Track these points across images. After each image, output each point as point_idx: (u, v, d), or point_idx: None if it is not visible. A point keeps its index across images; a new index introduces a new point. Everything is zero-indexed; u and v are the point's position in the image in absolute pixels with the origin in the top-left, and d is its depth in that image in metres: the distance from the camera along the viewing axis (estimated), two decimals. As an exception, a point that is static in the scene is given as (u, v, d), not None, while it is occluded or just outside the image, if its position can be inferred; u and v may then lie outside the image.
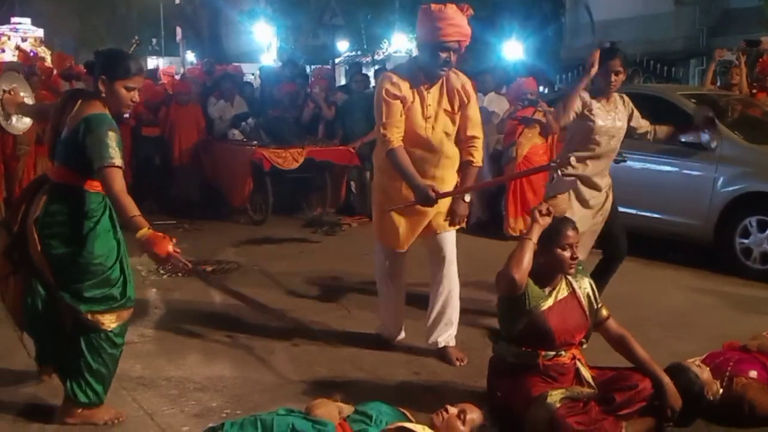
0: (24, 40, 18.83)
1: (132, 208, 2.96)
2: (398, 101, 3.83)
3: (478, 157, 4.03)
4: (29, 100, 3.79)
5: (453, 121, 3.98)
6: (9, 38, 19.17)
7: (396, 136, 3.83)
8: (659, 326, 4.72)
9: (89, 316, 3.10)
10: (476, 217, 8.17)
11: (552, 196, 4.18)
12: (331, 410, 2.79)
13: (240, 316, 4.85)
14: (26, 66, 9.52)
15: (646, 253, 6.70)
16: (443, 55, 3.77)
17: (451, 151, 4.01)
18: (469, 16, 3.83)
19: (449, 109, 3.96)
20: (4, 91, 3.66)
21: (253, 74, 15.47)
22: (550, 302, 3.21)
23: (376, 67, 13.09)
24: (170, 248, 2.92)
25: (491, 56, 15.78)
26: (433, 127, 3.93)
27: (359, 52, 23.12)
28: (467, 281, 5.69)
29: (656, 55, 12.64)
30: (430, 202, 3.77)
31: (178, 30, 24.33)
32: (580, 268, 3.35)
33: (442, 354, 4.08)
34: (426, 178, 3.89)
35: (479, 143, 4.05)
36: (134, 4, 27.74)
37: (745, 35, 12.15)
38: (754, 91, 7.71)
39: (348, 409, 2.87)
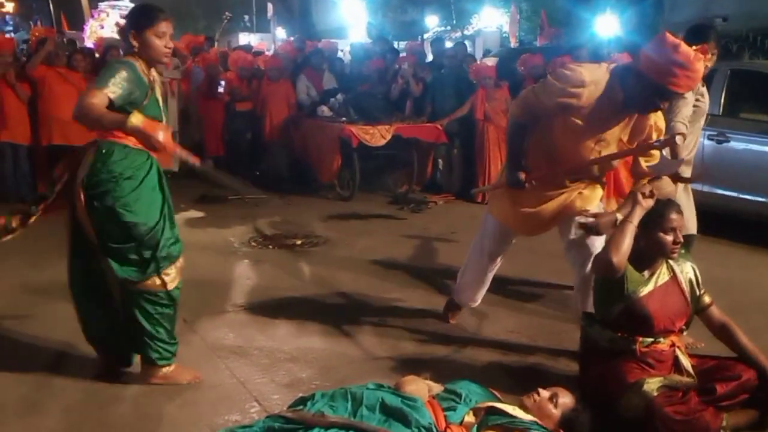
0: (123, 17, 19.51)
1: (106, 113, 2.96)
2: (566, 103, 3.37)
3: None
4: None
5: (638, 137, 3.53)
6: (108, 15, 19.88)
7: (523, 119, 3.59)
8: (763, 314, 4.49)
9: (136, 284, 3.15)
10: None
11: (657, 177, 3.99)
12: (420, 387, 2.78)
13: (327, 289, 4.91)
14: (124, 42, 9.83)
15: (748, 237, 6.40)
16: (662, 102, 3.32)
17: (600, 177, 3.71)
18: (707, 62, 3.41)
19: (625, 141, 3.51)
20: None
21: (342, 50, 15.53)
22: (650, 287, 3.09)
23: (466, 43, 12.90)
24: (163, 130, 3.02)
25: (585, 31, 15.30)
26: (600, 152, 3.50)
27: (448, 28, 22.85)
28: (557, 263, 5.61)
29: (764, 30, 11.94)
30: (521, 186, 3.64)
31: (270, 6, 24.60)
32: (682, 251, 3.21)
33: None
34: (558, 188, 3.65)
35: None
36: (227, -21, 28.28)
37: None
38: None
39: (437, 388, 2.85)
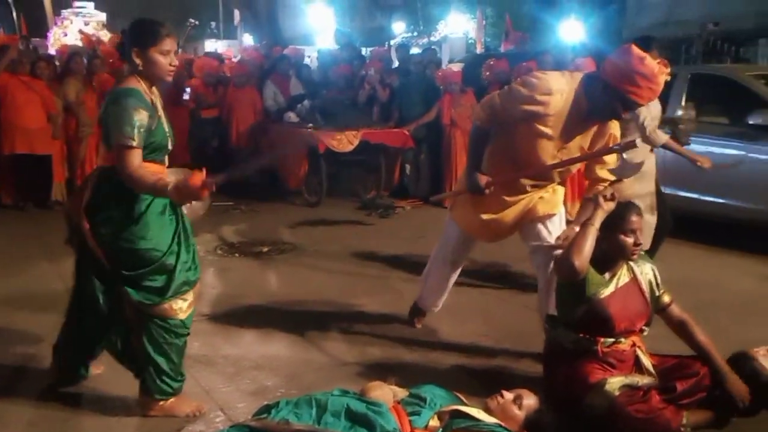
0: (86, 23, 19.27)
1: (149, 177, 2.82)
2: (531, 110, 3.41)
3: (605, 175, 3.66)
4: None
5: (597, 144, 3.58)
6: (72, 22, 19.64)
7: (485, 124, 3.61)
8: (726, 313, 4.57)
9: (151, 309, 3.02)
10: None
11: (617, 180, 4.04)
12: (385, 393, 2.78)
13: (294, 296, 4.89)
14: (89, 49, 9.75)
15: (711, 239, 6.52)
16: (624, 112, 3.39)
17: (561, 182, 3.77)
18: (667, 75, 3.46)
19: (586, 149, 3.56)
20: None
21: (309, 56, 15.51)
22: (611, 289, 3.13)
23: (434, 48, 12.95)
24: (201, 178, 2.76)
25: (550, 36, 15.46)
26: (559, 159, 3.56)
27: (415, 34, 22.98)
28: (522, 265, 5.66)
29: (724, 34, 12.19)
30: (480, 192, 3.65)
31: (236, 13, 24.53)
32: (642, 253, 3.25)
33: None
34: (519, 194, 3.71)
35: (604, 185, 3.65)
36: (194, -14, 28.15)
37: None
38: (829, 71, 7.37)
39: (402, 393, 2.85)
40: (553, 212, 3.76)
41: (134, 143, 2.83)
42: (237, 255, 6.05)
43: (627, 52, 3.27)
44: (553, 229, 3.73)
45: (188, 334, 3.19)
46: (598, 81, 3.36)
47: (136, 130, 2.83)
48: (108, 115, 2.89)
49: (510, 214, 3.75)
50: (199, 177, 2.77)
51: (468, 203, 3.84)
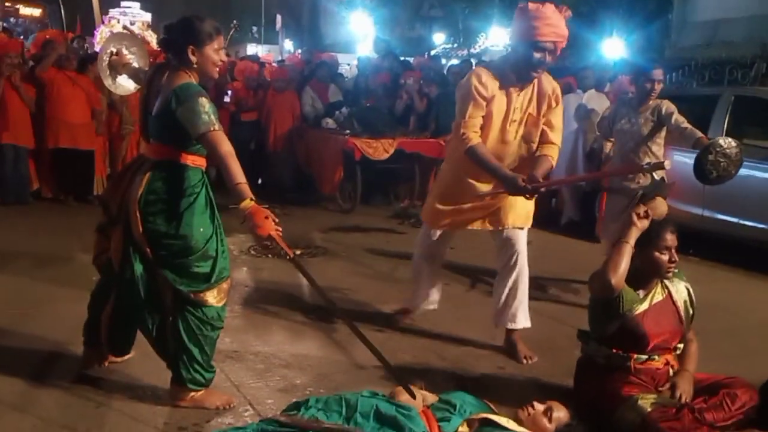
0: (132, 24, 19.64)
1: (239, 174, 2.91)
2: (484, 101, 3.76)
3: (554, 155, 3.92)
4: (137, 63, 3.79)
5: (537, 127, 3.89)
6: (118, 21, 20.04)
7: (475, 134, 3.78)
8: (758, 338, 4.49)
9: (192, 295, 3.10)
10: (568, 218, 8.03)
11: (651, 198, 4.03)
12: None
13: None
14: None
15: (747, 263, 6.41)
16: (538, 54, 3.66)
17: (528, 158, 3.93)
18: (567, 18, 3.73)
19: (535, 113, 3.87)
20: (112, 53, 3.68)
21: (348, 64, 15.61)
22: (645, 306, 3.11)
23: (472, 60, 12.96)
24: (272, 230, 2.88)
25: (591, 54, 15.40)
26: (516, 132, 3.87)
27: (455, 45, 23.01)
28: (556, 281, 5.64)
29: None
30: (521, 191, 3.69)
31: (278, 18, 24.82)
32: (677, 271, 3.22)
33: (511, 349, 4.03)
34: (483, 180, 3.90)
35: (556, 149, 3.94)
36: (238, -10, 28.57)
37: None
38: None
39: (432, 398, 2.87)
40: (522, 226, 4.04)
41: (216, 126, 2.96)
42: (270, 256, 6.10)
43: (519, 10, 3.76)
44: (521, 241, 4.03)
45: (222, 327, 3.25)
46: (512, 49, 3.85)
47: (209, 116, 2.96)
48: (185, 110, 2.96)
49: (471, 209, 4.02)
50: (269, 227, 2.89)
51: (434, 199, 4.15)
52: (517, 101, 3.82)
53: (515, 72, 3.78)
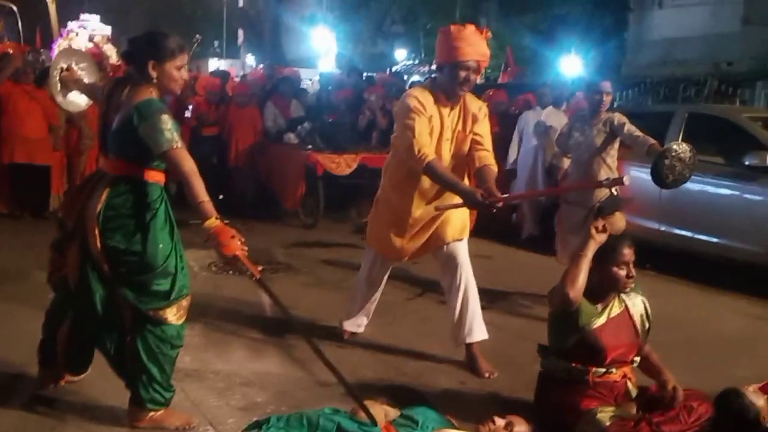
0: (92, 38, 19.34)
1: (202, 192, 2.90)
2: (425, 117, 3.85)
3: (492, 161, 4.02)
4: (88, 78, 3.73)
5: (465, 144, 4.02)
6: (77, 34, 19.71)
7: (430, 150, 3.84)
8: (714, 351, 4.59)
9: (151, 313, 3.06)
10: (528, 233, 8.11)
11: (609, 213, 4.13)
12: (377, 412, 2.79)
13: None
14: (96, 61, 9.77)
15: (702, 277, 6.54)
16: (462, 73, 3.82)
17: (460, 174, 4.03)
18: (488, 39, 3.90)
19: (463, 131, 4.01)
20: (62, 68, 3.63)
21: (310, 80, 15.61)
22: (602, 320, 3.16)
23: (433, 75, 13.10)
24: (238, 250, 2.86)
25: (550, 71, 15.65)
26: (450, 150, 3.99)
27: (417, 62, 23.19)
28: (516, 296, 5.69)
29: (721, 76, 12.36)
30: (481, 206, 3.73)
31: (240, 33, 24.74)
32: (633, 285, 3.29)
33: (471, 364, 4.06)
34: (430, 201, 4.00)
35: (491, 155, 4.04)
36: (199, 4, 28.35)
37: (817, 59, 11.82)
38: (824, 116, 7.46)
39: (394, 413, 2.87)
40: (461, 237, 4.11)
41: (179, 144, 2.96)
42: (231, 272, 6.05)
43: (441, 32, 3.90)
44: (463, 253, 4.10)
45: (182, 345, 3.21)
46: (438, 71, 3.99)
47: (172, 134, 2.95)
48: (147, 127, 2.94)
49: (419, 234, 4.09)
50: (235, 247, 2.87)
51: (382, 226, 4.20)
52: (448, 120, 3.96)
53: (444, 92, 3.92)
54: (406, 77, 14.62)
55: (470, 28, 3.86)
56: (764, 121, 6.91)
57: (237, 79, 12.36)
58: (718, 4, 15.81)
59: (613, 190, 5.05)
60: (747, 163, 6.35)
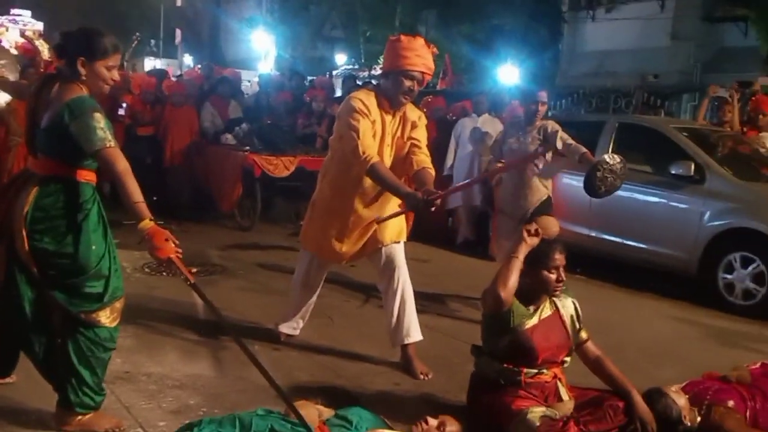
0: (23, 33, 18.76)
1: (136, 193, 2.84)
2: (369, 120, 3.89)
3: (429, 162, 4.07)
4: (11, 76, 3.61)
5: (403, 150, 4.08)
6: (7, 29, 19.09)
7: (373, 151, 3.87)
8: (640, 353, 4.75)
9: (83, 316, 2.98)
10: (463, 237, 8.23)
11: (541, 215, 4.25)
12: (311, 412, 2.78)
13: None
14: (27, 58, 9.49)
15: (629, 281, 6.76)
16: (407, 83, 3.88)
17: (400, 177, 4.08)
18: (434, 54, 3.99)
19: (402, 138, 4.07)
20: None
21: (249, 81, 15.48)
22: (534, 321, 3.23)
23: (373, 81, 13.15)
24: (173, 253, 2.83)
25: (487, 79, 15.91)
26: (390, 155, 4.04)
27: (356, 66, 23.24)
28: (451, 298, 5.77)
29: (650, 88, 12.80)
30: (421, 207, 3.76)
31: (178, 32, 24.33)
32: (564, 288, 3.37)
33: (407, 365, 4.09)
34: (369, 204, 4.03)
35: (428, 158, 4.09)
36: (135, 2, 27.76)
37: (739, 73, 12.35)
38: (745, 129, 7.80)
39: (328, 413, 2.87)
40: (398, 240, 4.16)
41: (112, 143, 2.89)
42: (165, 274, 5.95)
43: (391, 41, 3.98)
44: (400, 256, 4.14)
45: (114, 348, 3.14)
46: (383, 77, 4.05)
47: (104, 132, 2.88)
48: (79, 125, 2.86)
49: (358, 237, 4.10)
50: (169, 250, 2.84)
51: (320, 229, 4.18)
52: (390, 126, 4.01)
53: (387, 98, 3.97)
54: (343, 79, 14.64)
55: (420, 41, 3.93)
56: (690, 132, 7.19)
57: (173, 79, 12.16)
58: (648, 19, 16.38)
59: (542, 195, 5.25)
60: (673, 172, 6.59)
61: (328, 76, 17.04)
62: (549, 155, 3.88)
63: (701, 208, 6.40)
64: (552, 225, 4.11)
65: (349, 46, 24.29)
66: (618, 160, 4.27)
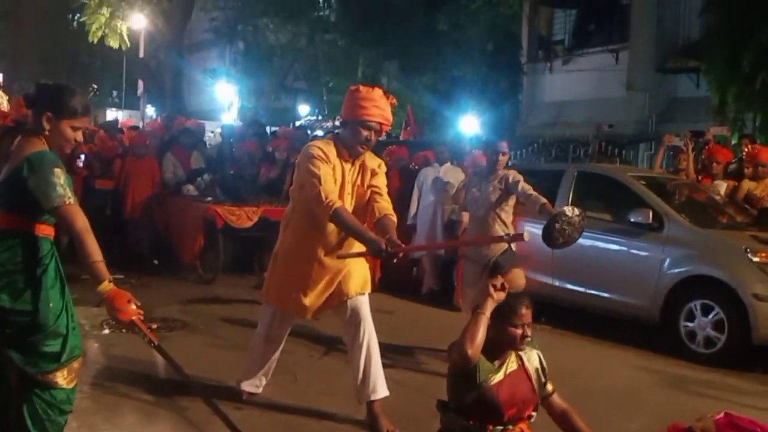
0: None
1: (95, 252, 2.79)
2: (329, 166, 3.92)
3: (391, 209, 4.09)
4: None
5: (363, 198, 4.12)
6: (-29, 83, 18.86)
7: (336, 196, 3.87)
8: (606, 403, 4.74)
9: (40, 377, 2.88)
10: (428, 288, 8.21)
11: (506, 270, 4.24)
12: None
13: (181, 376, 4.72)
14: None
15: (593, 330, 6.78)
16: (365, 132, 3.93)
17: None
18: (393, 105, 4.04)
19: (362, 186, 4.11)
20: None
21: (212, 132, 15.45)
22: (500, 376, 3.19)
23: (336, 131, 13.26)
24: (135, 315, 2.79)
25: (448, 129, 16.11)
26: (351, 203, 4.06)
27: (320, 117, 23.38)
28: (417, 351, 5.72)
29: (606, 137, 13.09)
30: (384, 255, 3.74)
31: (140, 83, 24.24)
32: (529, 340, 3.36)
33: (373, 423, 4.04)
34: (332, 251, 4.02)
35: (390, 205, 4.12)
36: (97, 53, 27.65)
37: (692, 122, 12.70)
38: (700, 177, 7.99)
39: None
40: (363, 292, 4.14)
41: (71, 200, 2.85)
42: (124, 331, 5.79)
43: (350, 91, 4.01)
44: (365, 308, 4.11)
45: (71, 410, 3.04)
46: (342, 126, 4.12)
47: (64, 189, 2.84)
48: (37, 180, 2.82)
49: (322, 289, 4.07)
50: (130, 312, 2.82)
51: (283, 282, 4.14)
52: (349, 174, 4.05)
53: (346, 147, 4.01)
54: (309, 132, 14.72)
55: (378, 92, 3.98)
56: (647, 180, 7.32)
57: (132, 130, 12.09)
58: (603, 71, 16.84)
59: (512, 245, 5.22)
60: (632, 219, 6.67)
61: (291, 126, 17.15)
62: (527, 234, 3.88)
63: (661, 255, 6.46)
64: (518, 278, 4.11)
65: (311, 97, 24.48)
66: (577, 212, 4.33)
